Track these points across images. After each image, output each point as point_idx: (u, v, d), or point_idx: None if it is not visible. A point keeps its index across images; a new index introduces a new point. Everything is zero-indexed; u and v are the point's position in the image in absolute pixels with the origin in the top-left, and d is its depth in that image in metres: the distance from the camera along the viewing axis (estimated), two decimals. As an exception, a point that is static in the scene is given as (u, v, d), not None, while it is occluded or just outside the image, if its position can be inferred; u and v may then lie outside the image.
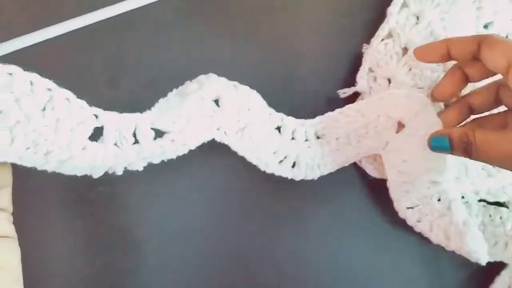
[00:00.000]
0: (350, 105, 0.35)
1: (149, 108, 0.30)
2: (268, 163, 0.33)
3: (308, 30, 0.37)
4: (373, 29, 0.35)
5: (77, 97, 0.27)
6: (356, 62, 0.36)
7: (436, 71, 0.34)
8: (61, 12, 0.36)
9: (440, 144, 0.31)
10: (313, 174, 0.35)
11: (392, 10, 0.35)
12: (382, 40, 0.35)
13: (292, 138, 0.34)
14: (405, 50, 0.35)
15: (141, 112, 0.29)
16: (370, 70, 0.35)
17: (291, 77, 0.37)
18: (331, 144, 0.35)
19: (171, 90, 0.32)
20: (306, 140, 0.35)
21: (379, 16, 0.35)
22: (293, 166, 0.34)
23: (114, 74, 0.36)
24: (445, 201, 0.33)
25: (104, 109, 0.27)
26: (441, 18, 0.34)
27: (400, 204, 0.35)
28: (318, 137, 0.35)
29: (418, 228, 0.35)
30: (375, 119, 0.34)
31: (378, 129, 0.34)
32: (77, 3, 0.36)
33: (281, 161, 0.34)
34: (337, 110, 0.35)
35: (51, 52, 0.36)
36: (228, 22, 0.37)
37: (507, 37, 0.36)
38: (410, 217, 0.35)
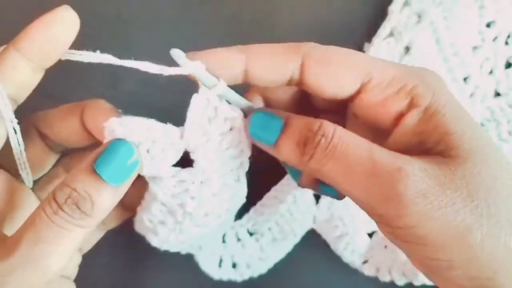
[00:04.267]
0: (268, 194, 0.35)
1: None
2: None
3: (309, 29, 0.37)
4: (374, 28, 0.35)
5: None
6: (357, 61, 0.36)
7: (439, 69, 0.34)
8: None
9: (265, 129, 0.22)
10: (260, 269, 0.36)
11: (394, 8, 0.34)
12: (384, 39, 0.35)
13: (223, 241, 0.36)
14: (407, 49, 0.34)
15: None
16: (372, 69, 0.35)
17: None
18: (266, 236, 0.36)
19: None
20: (238, 240, 0.36)
21: (381, 15, 0.35)
22: (234, 267, 0.36)
23: (112, 72, 0.36)
24: None
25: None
26: (443, 16, 0.34)
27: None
28: (251, 234, 0.36)
29: None
30: (292, 200, 0.35)
31: (301, 209, 0.35)
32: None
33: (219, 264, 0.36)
34: (259, 203, 0.35)
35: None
36: (228, 22, 0.37)
37: (509, 37, 0.35)
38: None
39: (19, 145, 0.23)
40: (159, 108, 0.35)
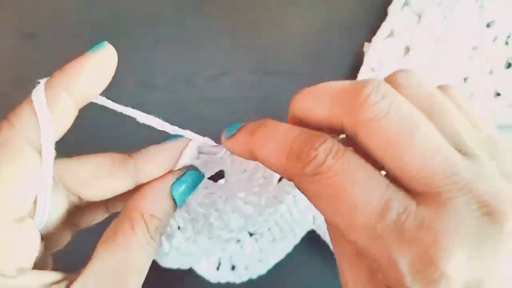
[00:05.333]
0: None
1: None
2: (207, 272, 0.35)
3: (309, 29, 0.37)
4: (374, 28, 0.35)
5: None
6: (357, 61, 0.36)
7: (439, 69, 0.34)
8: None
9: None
10: (258, 270, 0.36)
11: (394, 8, 0.34)
12: (384, 39, 0.35)
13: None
14: (406, 49, 0.34)
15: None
16: (372, 69, 0.35)
17: (291, 77, 0.37)
18: (266, 237, 0.36)
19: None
20: (238, 241, 0.36)
21: (381, 15, 0.35)
22: (233, 269, 0.36)
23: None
24: None
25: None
26: (443, 16, 0.34)
27: None
28: (251, 234, 0.36)
29: None
30: (292, 200, 0.35)
31: (301, 209, 0.35)
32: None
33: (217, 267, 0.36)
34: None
35: (46, 47, 0.35)
36: (228, 22, 0.37)
37: (509, 37, 0.35)
38: None
39: (42, 212, 0.20)
40: (159, 108, 0.35)
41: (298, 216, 0.35)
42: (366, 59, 0.35)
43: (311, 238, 0.36)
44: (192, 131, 0.24)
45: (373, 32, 0.35)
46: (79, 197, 0.22)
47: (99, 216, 0.25)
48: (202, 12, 0.36)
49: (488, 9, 0.34)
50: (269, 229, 0.36)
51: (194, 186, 0.23)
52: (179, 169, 0.22)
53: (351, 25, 0.37)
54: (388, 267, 0.16)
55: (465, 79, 0.35)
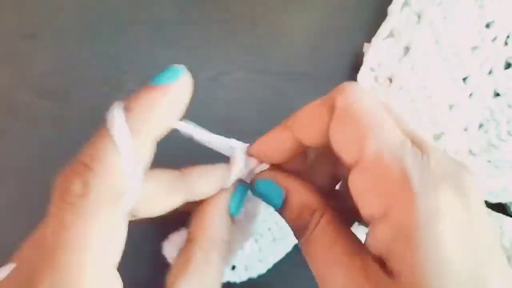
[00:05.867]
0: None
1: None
2: None
3: (308, 29, 0.37)
4: (374, 28, 0.35)
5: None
6: (357, 61, 0.36)
7: (438, 69, 0.34)
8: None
9: (270, 195, 0.23)
10: (258, 270, 0.36)
11: (393, 8, 0.34)
12: (384, 39, 0.35)
13: None
14: (406, 49, 0.34)
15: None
16: (371, 69, 0.35)
17: (291, 77, 0.37)
18: (265, 237, 0.36)
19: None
20: None
21: (380, 15, 0.35)
22: (233, 269, 0.36)
23: (113, 73, 0.36)
24: None
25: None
26: (443, 16, 0.34)
27: None
28: None
29: None
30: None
31: None
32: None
33: None
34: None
35: (46, 47, 0.35)
36: (228, 22, 0.37)
37: (508, 37, 0.35)
38: None
39: None
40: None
41: None
42: (366, 59, 0.35)
43: (311, 238, 0.36)
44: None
45: (373, 32, 0.35)
46: (133, 215, 0.20)
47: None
48: (202, 12, 0.37)
49: (487, 9, 0.34)
50: (269, 229, 0.36)
51: (244, 198, 0.24)
52: (230, 186, 0.23)
53: (351, 25, 0.37)
54: (400, 183, 0.17)
55: (464, 79, 0.35)
